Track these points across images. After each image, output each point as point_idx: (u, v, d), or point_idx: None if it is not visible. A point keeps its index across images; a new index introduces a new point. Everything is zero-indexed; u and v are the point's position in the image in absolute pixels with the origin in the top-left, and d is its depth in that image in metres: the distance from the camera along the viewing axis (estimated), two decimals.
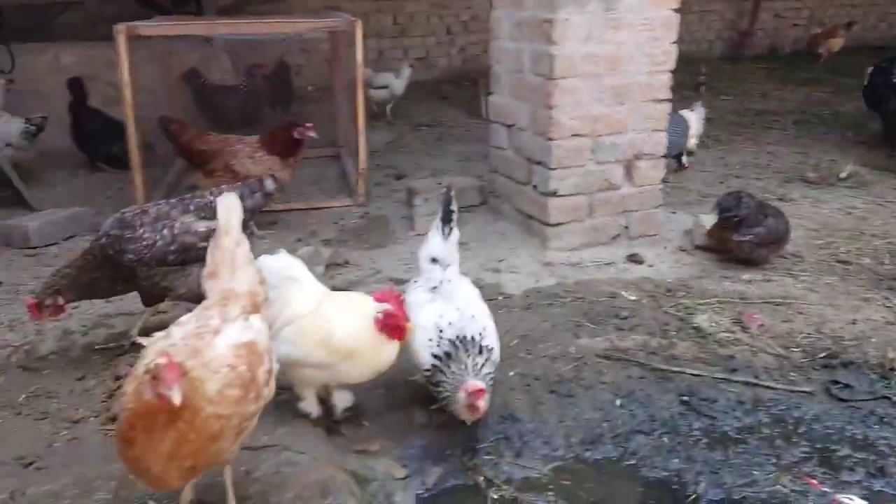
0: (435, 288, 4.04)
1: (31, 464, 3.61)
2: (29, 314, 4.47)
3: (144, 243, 4.31)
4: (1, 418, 4.02)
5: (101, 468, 3.45)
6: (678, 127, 8.92)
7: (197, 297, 4.52)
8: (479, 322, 3.88)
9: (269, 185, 4.85)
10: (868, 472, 3.81)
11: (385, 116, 11.48)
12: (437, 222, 4.14)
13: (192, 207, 4.53)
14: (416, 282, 4.20)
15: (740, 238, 6.16)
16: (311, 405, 3.93)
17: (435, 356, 3.74)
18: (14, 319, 5.22)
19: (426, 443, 3.90)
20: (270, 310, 3.85)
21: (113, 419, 3.96)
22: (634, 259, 6.46)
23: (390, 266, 6.20)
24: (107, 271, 4.38)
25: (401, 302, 3.75)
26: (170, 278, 4.41)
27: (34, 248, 6.54)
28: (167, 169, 8.49)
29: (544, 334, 5.01)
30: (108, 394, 4.27)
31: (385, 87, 11.27)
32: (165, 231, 4.36)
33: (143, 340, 3.15)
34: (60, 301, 4.39)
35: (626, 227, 6.70)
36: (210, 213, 4.49)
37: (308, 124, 6.75)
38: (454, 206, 4.17)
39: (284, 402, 4.24)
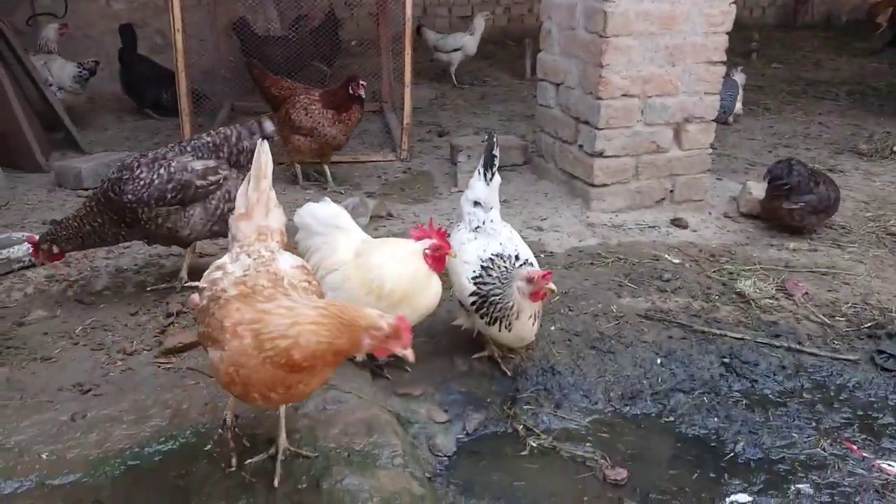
0: (478, 228, 4.13)
1: (88, 390, 3.77)
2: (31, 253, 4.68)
3: (142, 182, 4.37)
4: (60, 347, 4.18)
5: (155, 396, 3.58)
6: (731, 91, 8.77)
7: (205, 237, 4.68)
8: (523, 256, 3.96)
9: (268, 126, 4.84)
10: None
11: (451, 79, 11.20)
12: (479, 167, 4.20)
13: (188, 148, 4.60)
14: (458, 225, 4.28)
15: (791, 206, 6.06)
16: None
17: (475, 280, 3.85)
18: (68, 256, 5.38)
19: (467, 390, 3.97)
20: (314, 256, 3.95)
21: (169, 352, 4.11)
22: (678, 223, 6.40)
23: (433, 220, 6.23)
24: (110, 215, 4.48)
25: (442, 233, 3.83)
26: (172, 219, 4.48)
27: (86, 189, 6.70)
28: (215, 116, 8.58)
29: (586, 292, 5.03)
30: (160, 329, 4.41)
31: (458, 48, 11.01)
32: (162, 170, 4.41)
33: (194, 283, 3.27)
34: (55, 250, 4.52)
35: (672, 191, 6.63)
36: (207, 153, 4.58)
37: (361, 81, 6.75)
38: (496, 152, 4.21)
39: None
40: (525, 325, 3.75)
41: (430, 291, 3.75)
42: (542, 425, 3.90)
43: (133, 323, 4.50)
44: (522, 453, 3.69)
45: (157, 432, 3.33)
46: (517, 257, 3.91)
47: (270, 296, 2.79)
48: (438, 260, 3.75)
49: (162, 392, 3.62)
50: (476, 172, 4.24)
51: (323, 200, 4.21)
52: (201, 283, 3.06)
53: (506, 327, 3.74)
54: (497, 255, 3.89)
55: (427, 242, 3.75)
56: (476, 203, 4.19)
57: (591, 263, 5.56)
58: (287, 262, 3.07)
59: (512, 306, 3.71)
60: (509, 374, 4.09)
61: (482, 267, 3.86)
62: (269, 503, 2.96)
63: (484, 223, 4.13)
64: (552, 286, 3.66)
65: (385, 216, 6.30)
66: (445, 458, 3.60)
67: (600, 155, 6.29)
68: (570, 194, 6.76)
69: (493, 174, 4.21)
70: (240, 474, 3.11)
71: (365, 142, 8.59)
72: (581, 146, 6.48)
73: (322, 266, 3.89)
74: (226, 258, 3.11)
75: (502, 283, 3.76)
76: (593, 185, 6.40)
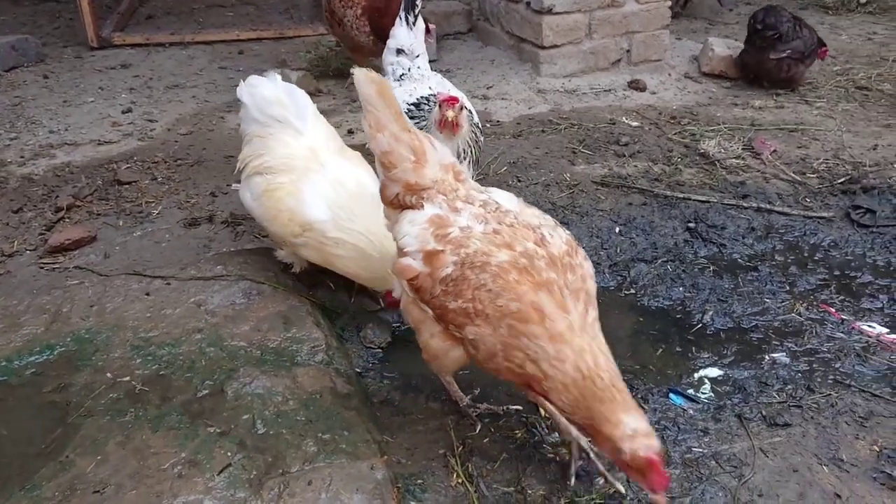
0: (403, 76, 3.66)
1: None
2: None
3: None
4: None
5: (30, 300, 3.03)
6: None
7: None
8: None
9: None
10: (891, 299, 3.45)
11: None
12: (401, 11, 3.70)
13: None
14: None
15: (778, 55, 5.57)
16: (289, 255, 3.29)
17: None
18: None
19: None
20: (245, 148, 3.25)
21: (56, 250, 3.53)
22: (636, 86, 5.87)
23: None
24: None
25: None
26: None
27: None
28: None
29: (537, 161, 4.53)
30: (47, 226, 3.81)
31: None
32: None
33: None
34: None
35: (628, 52, 6.05)
36: None
37: None
38: None
39: (244, 231, 3.83)
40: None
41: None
42: None
43: (16, 221, 3.88)
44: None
45: (31, 342, 2.81)
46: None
47: (550, 284, 2.19)
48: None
49: (39, 295, 3.07)
50: (398, 19, 3.68)
51: (270, 75, 3.32)
52: (429, 246, 2.34)
53: None
54: (427, 99, 3.35)
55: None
56: (399, 51, 3.75)
57: (543, 131, 5.03)
58: (526, 209, 2.46)
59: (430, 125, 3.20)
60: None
61: (411, 107, 3.34)
62: (162, 415, 2.48)
63: (409, 70, 3.68)
64: (451, 113, 3.13)
65: (314, 92, 5.62)
66: (379, 350, 3.16)
67: (549, 12, 5.63)
68: (518, 59, 6.14)
69: (416, 17, 3.75)
70: (130, 383, 2.62)
71: (293, 16, 7.78)
72: (528, 3, 5.80)
73: (250, 164, 3.19)
74: (433, 209, 2.42)
75: (428, 114, 3.27)
76: (543, 48, 5.78)
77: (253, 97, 3.20)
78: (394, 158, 2.47)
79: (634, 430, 2.05)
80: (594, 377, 2.12)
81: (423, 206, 2.45)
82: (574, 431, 2.50)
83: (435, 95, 3.30)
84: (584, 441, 2.50)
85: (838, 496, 2.39)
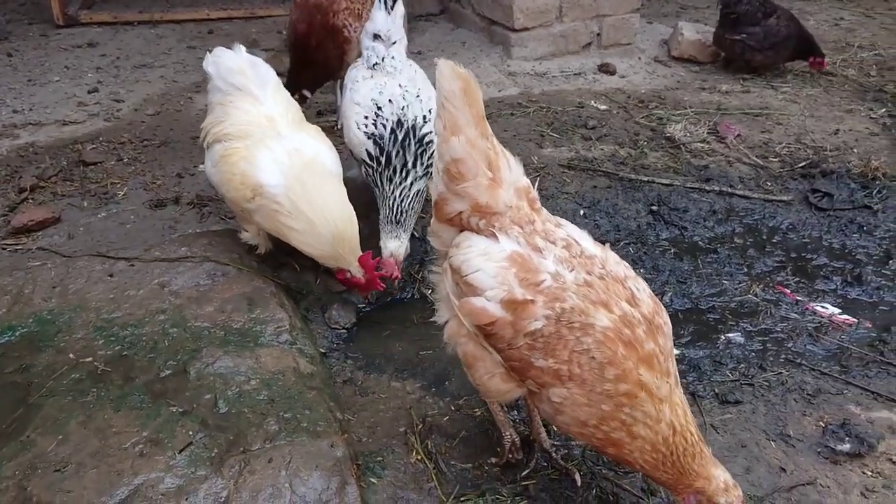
0: (376, 65, 3.54)
1: None
2: None
3: None
4: None
5: None
6: None
7: None
8: (426, 103, 3.37)
9: None
10: (844, 281, 3.56)
11: None
12: None
13: None
14: (358, 60, 3.69)
15: (733, 37, 5.64)
16: (254, 237, 3.28)
17: (372, 137, 3.25)
18: None
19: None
20: (208, 116, 3.26)
21: (18, 231, 3.52)
22: (606, 69, 5.91)
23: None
24: None
25: (374, 278, 3.08)
26: None
27: None
28: None
29: (505, 144, 4.43)
30: (10, 207, 3.78)
31: None
32: None
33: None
34: None
35: (599, 35, 6.07)
36: None
37: None
38: None
39: (210, 212, 3.83)
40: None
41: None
42: None
43: None
44: (431, 319, 3.31)
45: None
46: (414, 129, 3.28)
47: (651, 359, 2.04)
48: (348, 282, 3.12)
49: (0, 277, 3.05)
50: (376, 1, 3.63)
51: (236, 46, 3.34)
52: (517, 293, 2.10)
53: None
54: (398, 124, 3.28)
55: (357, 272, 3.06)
56: (376, 36, 3.61)
57: (511, 114, 5.06)
58: (609, 254, 2.25)
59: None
60: (417, 235, 3.65)
61: (376, 109, 3.30)
62: (125, 395, 2.50)
63: (384, 59, 3.55)
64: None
65: (284, 73, 5.57)
66: (344, 331, 3.19)
67: None
68: (489, 42, 6.15)
69: (394, 1, 3.61)
70: (93, 364, 2.63)
71: None
72: None
73: (210, 132, 3.20)
74: (510, 244, 2.17)
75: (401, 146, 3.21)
76: (514, 30, 5.79)
77: (217, 67, 3.24)
78: (465, 169, 2.19)
79: (726, 482, 2.06)
80: (685, 433, 2.04)
81: (494, 235, 2.20)
82: (543, 434, 2.53)
83: (400, 123, 3.28)
84: (547, 444, 2.53)
85: (783, 469, 2.48)
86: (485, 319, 2.14)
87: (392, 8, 3.59)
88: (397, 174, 3.21)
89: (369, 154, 3.25)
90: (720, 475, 2.06)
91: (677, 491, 2.12)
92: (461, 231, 2.30)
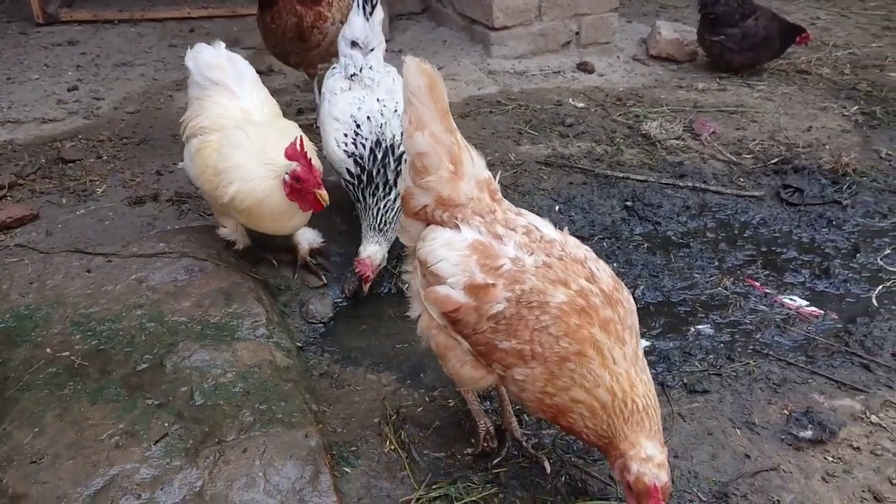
0: (354, 76, 3.51)
1: None
2: None
3: None
4: None
5: None
6: None
7: None
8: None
9: None
10: (812, 274, 3.64)
11: None
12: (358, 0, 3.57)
13: None
14: (334, 68, 3.69)
15: (712, 38, 5.72)
16: (231, 233, 3.31)
17: (352, 156, 3.28)
18: None
19: (346, 250, 3.56)
20: (187, 111, 3.31)
21: None
22: (585, 68, 5.98)
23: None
24: None
25: (310, 162, 2.97)
26: None
27: None
28: None
29: (483, 141, 4.62)
30: None
31: None
32: None
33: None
34: None
35: (578, 34, 6.14)
36: None
37: None
38: None
39: (189, 209, 3.86)
40: None
41: (283, 220, 3.10)
42: None
43: None
44: (407, 314, 3.35)
45: None
46: (392, 148, 3.28)
47: (608, 324, 2.08)
48: (299, 194, 2.95)
49: None
50: (355, 6, 3.60)
51: (216, 44, 3.38)
52: (478, 278, 2.16)
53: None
54: (377, 144, 3.28)
55: (290, 166, 2.93)
56: (354, 43, 3.57)
57: (490, 112, 5.12)
58: (568, 238, 2.29)
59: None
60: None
61: (355, 127, 3.30)
62: (101, 388, 2.53)
63: (361, 70, 3.52)
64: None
65: (266, 71, 5.62)
66: (321, 325, 3.24)
67: None
68: (469, 41, 6.20)
69: (373, 7, 3.58)
70: (69, 358, 2.66)
71: None
72: None
73: (188, 126, 3.25)
74: (471, 233, 2.24)
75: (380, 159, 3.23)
76: (493, 29, 5.85)
77: (196, 62, 3.29)
78: (429, 163, 2.26)
79: (650, 456, 1.99)
80: (627, 400, 2.03)
81: (457, 226, 2.26)
82: (514, 424, 2.58)
83: (378, 143, 3.29)
84: (518, 433, 2.57)
85: (747, 456, 2.55)
86: (449, 306, 2.19)
87: (371, 14, 3.55)
88: (380, 189, 3.23)
89: (350, 172, 3.29)
90: (650, 448, 2.00)
91: (610, 457, 2.09)
92: (427, 225, 2.36)
